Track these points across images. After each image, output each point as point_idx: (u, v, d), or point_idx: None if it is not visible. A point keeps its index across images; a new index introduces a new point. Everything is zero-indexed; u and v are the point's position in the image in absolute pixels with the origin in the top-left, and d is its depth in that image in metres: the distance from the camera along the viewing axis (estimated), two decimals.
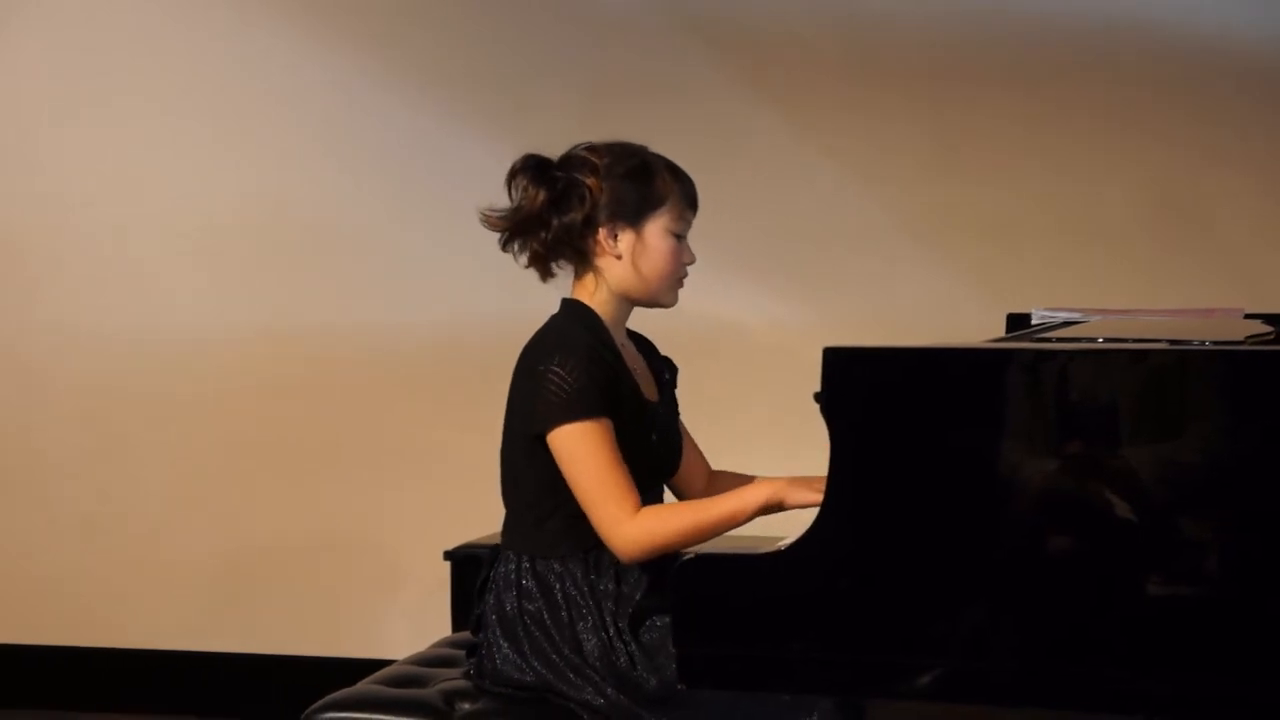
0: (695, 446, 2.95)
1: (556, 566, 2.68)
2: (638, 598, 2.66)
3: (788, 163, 4.29)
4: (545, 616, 2.67)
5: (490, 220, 2.77)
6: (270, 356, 4.52)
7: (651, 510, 2.63)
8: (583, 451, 2.60)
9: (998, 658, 2.21)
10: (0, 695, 4.60)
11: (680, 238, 2.76)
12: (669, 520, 2.62)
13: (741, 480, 2.90)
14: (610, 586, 2.67)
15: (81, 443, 4.62)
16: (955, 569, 2.22)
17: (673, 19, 4.35)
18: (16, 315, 4.65)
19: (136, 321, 4.58)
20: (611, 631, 2.64)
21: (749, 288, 4.26)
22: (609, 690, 2.61)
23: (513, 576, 2.71)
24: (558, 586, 2.68)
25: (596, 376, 2.63)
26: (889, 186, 4.27)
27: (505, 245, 2.78)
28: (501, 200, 2.78)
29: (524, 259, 2.78)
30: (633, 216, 2.72)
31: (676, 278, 2.77)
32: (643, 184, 2.73)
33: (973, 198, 4.22)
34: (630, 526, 2.60)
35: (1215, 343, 2.29)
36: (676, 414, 2.91)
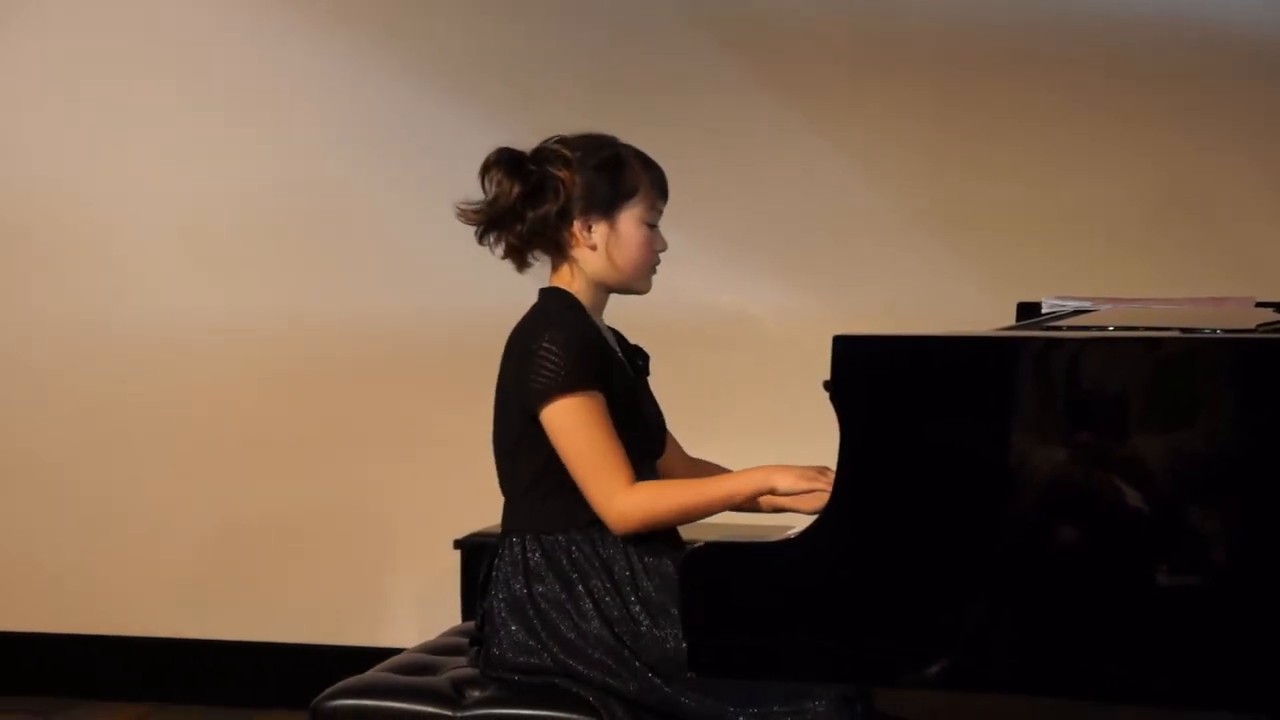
0: (670, 434, 2.98)
1: (563, 540, 2.70)
2: (650, 577, 2.67)
3: (796, 155, 4.29)
4: (559, 592, 2.68)
5: (465, 214, 2.83)
6: (278, 347, 4.52)
7: (647, 485, 2.69)
8: (576, 424, 2.65)
9: (1008, 648, 2.21)
10: (7, 682, 4.61)
11: (653, 226, 2.82)
12: (664, 496, 2.68)
13: (716, 470, 2.95)
14: (620, 559, 2.69)
15: (86, 430, 4.62)
16: (965, 559, 2.21)
17: (680, 10, 4.35)
18: (19, 310, 4.66)
19: (141, 315, 4.58)
20: (632, 599, 2.66)
21: (758, 279, 4.26)
22: (637, 665, 2.62)
23: (519, 559, 2.72)
24: (565, 560, 2.69)
25: (587, 351, 2.69)
26: (898, 178, 4.27)
27: (481, 238, 2.83)
28: None
29: (500, 250, 2.84)
30: (606, 208, 2.78)
31: (650, 265, 2.83)
32: (615, 176, 2.78)
33: (982, 190, 4.22)
34: (623, 500, 2.65)
35: (1227, 331, 2.28)
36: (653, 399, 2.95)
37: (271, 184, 4.52)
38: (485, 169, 2.80)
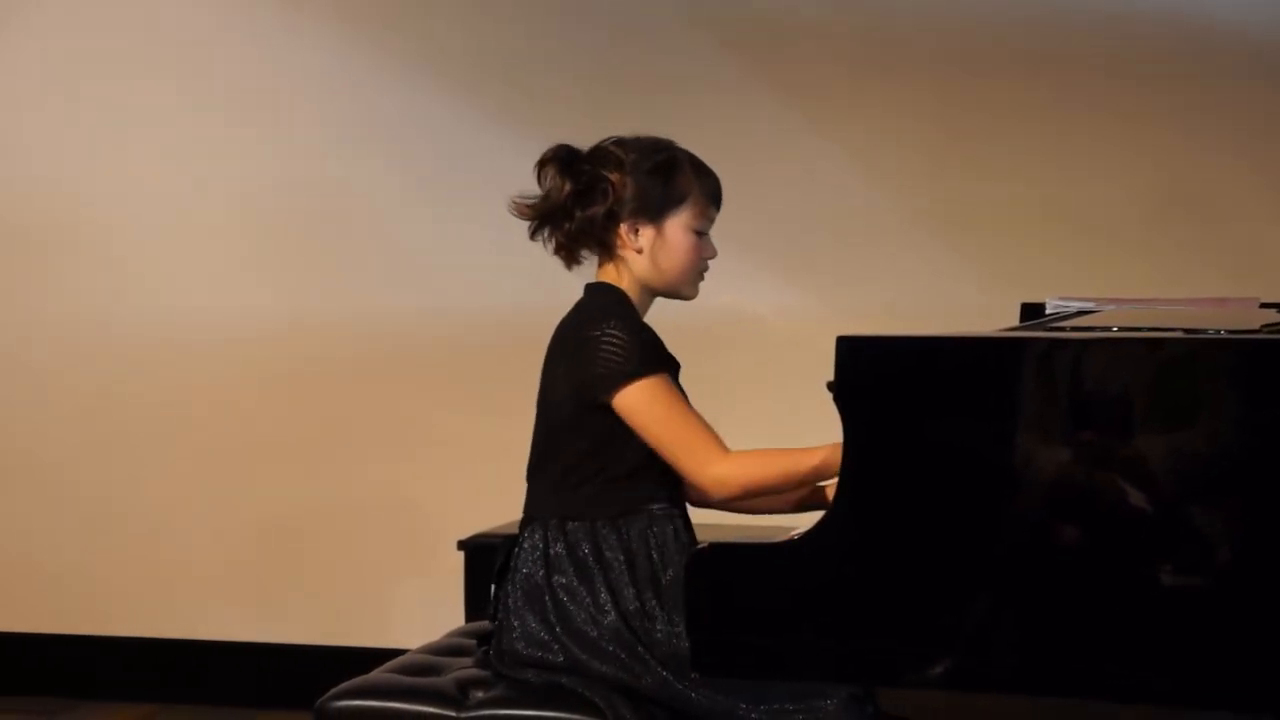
0: None
1: (588, 528, 2.70)
2: (669, 573, 2.67)
3: (796, 155, 4.29)
4: (578, 585, 2.68)
5: (519, 208, 2.82)
6: (278, 347, 4.53)
7: (745, 452, 2.68)
8: (662, 402, 2.65)
9: (1009, 648, 2.21)
10: (7, 682, 4.61)
11: (702, 234, 2.81)
12: (765, 463, 2.68)
13: None
14: (643, 554, 2.69)
15: (86, 430, 4.62)
16: (968, 559, 2.21)
17: (680, 10, 4.35)
18: (19, 310, 4.66)
19: (141, 315, 4.58)
20: (649, 595, 2.66)
21: (758, 279, 4.26)
22: (651, 661, 2.61)
23: (540, 546, 2.72)
24: (589, 549, 2.69)
25: (649, 336, 2.71)
26: (898, 178, 4.27)
27: (534, 234, 2.83)
28: (505, 190, 2.82)
29: (551, 246, 2.83)
30: (654, 213, 2.77)
31: (696, 272, 2.83)
32: (666, 181, 2.78)
33: (982, 190, 4.23)
34: (724, 465, 2.65)
35: (1230, 331, 2.29)
36: None
37: (271, 184, 4.53)
38: (541, 164, 2.80)
